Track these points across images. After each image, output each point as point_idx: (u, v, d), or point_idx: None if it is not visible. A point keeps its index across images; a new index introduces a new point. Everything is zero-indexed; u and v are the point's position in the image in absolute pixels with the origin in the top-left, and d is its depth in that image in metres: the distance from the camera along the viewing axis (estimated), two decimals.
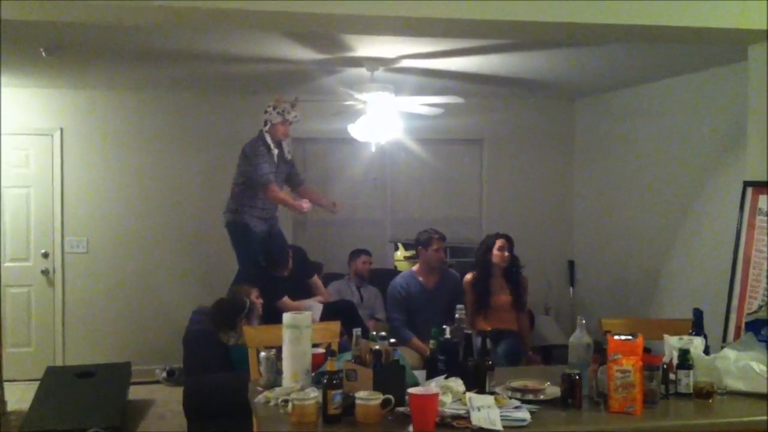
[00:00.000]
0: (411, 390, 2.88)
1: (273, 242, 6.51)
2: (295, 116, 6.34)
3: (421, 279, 6.31)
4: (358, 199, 8.19)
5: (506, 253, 6.19)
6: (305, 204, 6.34)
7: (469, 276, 6.37)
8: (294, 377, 3.23)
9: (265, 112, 6.31)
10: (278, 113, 6.26)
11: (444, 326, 3.42)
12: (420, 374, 3.35)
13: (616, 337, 3.12)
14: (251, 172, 6.24)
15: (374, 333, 3.27)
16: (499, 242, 6.21)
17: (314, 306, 6.23)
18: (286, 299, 6.21)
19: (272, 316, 5.32)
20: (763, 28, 4.04)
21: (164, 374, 7.31)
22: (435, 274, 6.34)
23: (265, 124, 6.31)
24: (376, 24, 3.96)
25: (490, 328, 6.01)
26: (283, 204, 6.40)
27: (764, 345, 3.56)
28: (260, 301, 5.71)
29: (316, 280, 6.76)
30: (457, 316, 3.53)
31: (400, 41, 5.22)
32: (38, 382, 6.26)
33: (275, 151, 6.32)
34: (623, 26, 3.95)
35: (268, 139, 6.29)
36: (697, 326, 3.62)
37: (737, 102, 5.48)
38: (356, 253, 7.21)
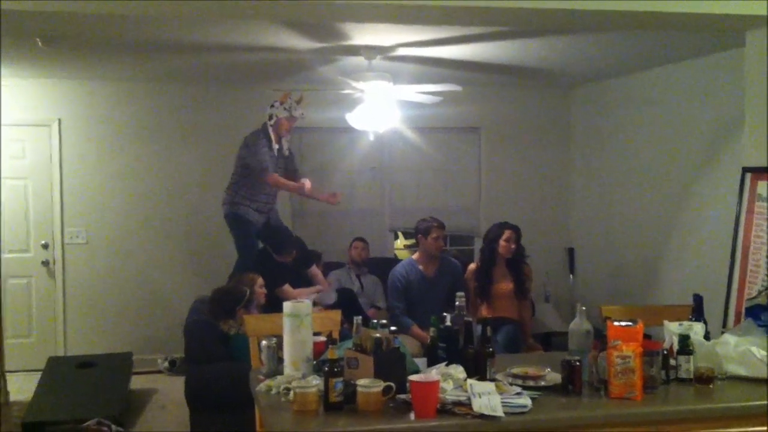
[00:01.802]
0: (412, 377, 2.89)
1: (277, 229, 6.56)
2: (302, 113, 6.41)
3: (421, 267, 6.32)
4: (356, 189, 8.20)
5: (513, 245, 6.20)
6: (307, 183, 6.40)
7: (472, 266, 6.40)
8: (295, 366, 3.24)
9: (272, 106, 6.36)
10: (285, 108, 6.32)
11: (444, 314, 3.43)
12: (421, 362, 3.36)
13: (616, 324, 3.14)
14: (250, 160, 6.30)
15: (375, 321, 3.28)
16: (506, 233, 6.21)
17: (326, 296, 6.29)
18: (286, 287, 6.24)
19: (273, 305, 5.35)
20: (760, 14, 4.04)
21: (166, 364, 7.33)
22: (435, 263, 6.34)
23: (270, 119, 6.36)
24: (372, 12, 3.95)
25: (490, 316, 6.04)
26: (285, 188, 6.45)
27: (764, 330, 3.57)
28: (264, 291, 5.72)
29: (315, 269, 6.78)
30: (457, 303, 3.53)
31: (397, 29, 5.21)
32: (40, 373, 6.27)
33: (276, 146, 6.37)
34: (620, 12, 3.94)
35: (271, 134, 6.34)
36: (697, 312, 3.63)
37: (735, 88, 5.48)
38: (351, 241, 7.26)
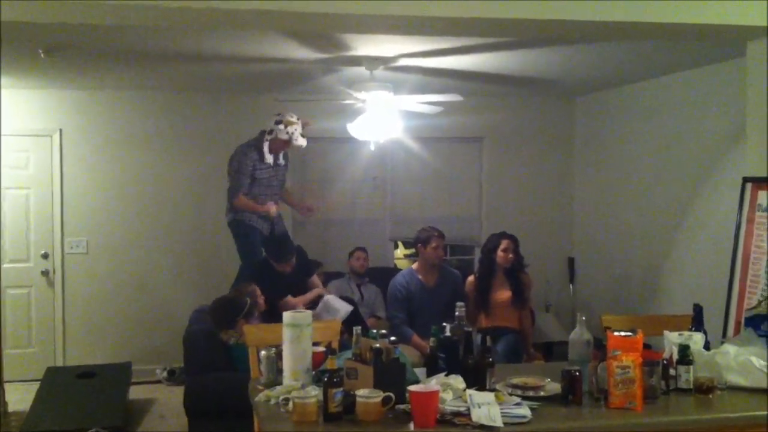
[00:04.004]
0: (411, 387, 2.88)
1: (278, 237, 6.56)
2: (300, 146, 6.39)
3: (421, 277, 6.31)
4: (357, 198, 8.21)
5: (510, 255, 6.20)
6: (271, 207, 6.39)
7: (471, 278, 6.39)
8: (294, 376, 3.23)
9: (276, 123, 6.32)
10: (287, 133, 6.30)
11: (444, 324, 3.42)
12: (420, 372, 3.36)
13: (616, 334, 3.13)
14: (231, 177, 6.35)
15: (374, 331, 3.27)
16: (503, 243, 6.22)
17: (342, 307, 6.22)
18: (288, 298, 6.23)
19: (274, 315, 5.33)
20: (761, 25, 4.04)
21: (165, 374, 7.31)
22: (435, 272, 6.34)
23: (270, 133, 6.33)
24: (375, 23, 3.96)
25: (490, 326, 6.03)
26: (251, 210, 6.40)
27: (764, 340, 3.57)
28: (263, 297, 5.71)
29: (315, 278, 6.77)
30: (457, 313, 3.53)
31: (399, 40, 5.22)
32: (39, 383, 6.26)
33: (270, 157, 6.36)
34: (622, 23, 3.95)
35: (265, 148, 6.33)
36: (697, 322, 3.63)
37: (736, 98, 5.49)
38: (352, 251, 7.26)
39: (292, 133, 6.32)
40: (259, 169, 6.36)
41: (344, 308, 6.20)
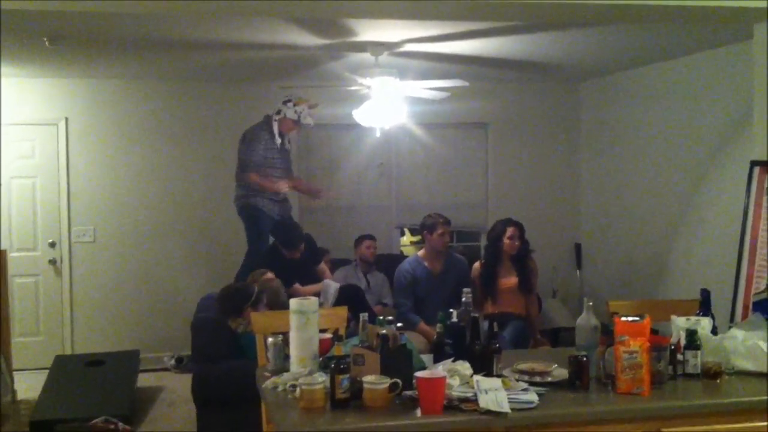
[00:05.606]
0: (418, 374, 2.88)
1: (287, 223, 6.57)
2: (309, 124, 6.41)
3: (427, 264, 6.31)
4: (363, 185, 8.20)
5: (516, 242, 6.20)
6: (283, 186, 6.39)
7: (477, 264, 6.39)
8: (302, 362, 3.23)
9: (284, 102, 6.35)
10: (295, 112, 6.31)
11: (451, 310, 3.42)
12: (427, 358, 3.36)
13: (623, 319, 3.12)
14: (242, 155, 6.34)
15: (381, 318, 3.27)
16: (509, 230, 6.21)
17: (330, 285, 6.27)
18: (297, 285, 6.24)
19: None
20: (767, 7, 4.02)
21: (173, 362, 7.34)
22: (441, 259, 6.34)
23: (279, 113, 6.35)
24: (379, 8, 3.95)
25: (497, 312, 6.03)
26: (262, 188, 6.41)
27: None
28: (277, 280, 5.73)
29: (323, 266, 6.79)
30: (463, 299, 3.52)
31: (404, 25, 5.20)
32: (47, 371, 6.29)
33: (278, 140, 6.37)
34: (628, 6, 3.93)
35: (275, 128, 6.33)
36: (704, 307, 3.62)
37: (744, 81, 5.46)
38: (360, 239, 7.24)
39: (301, 112, 6.34)
40: (269, 149, 6.37)
41: (332, 286, 6.25)
